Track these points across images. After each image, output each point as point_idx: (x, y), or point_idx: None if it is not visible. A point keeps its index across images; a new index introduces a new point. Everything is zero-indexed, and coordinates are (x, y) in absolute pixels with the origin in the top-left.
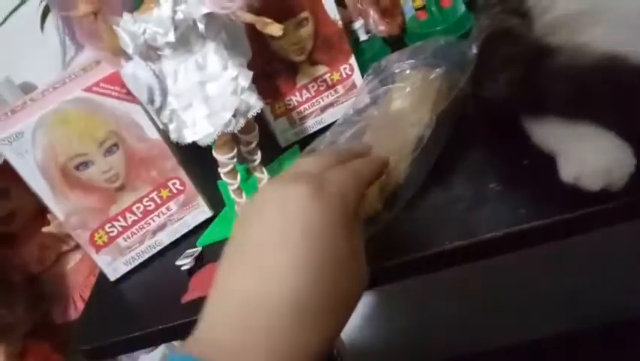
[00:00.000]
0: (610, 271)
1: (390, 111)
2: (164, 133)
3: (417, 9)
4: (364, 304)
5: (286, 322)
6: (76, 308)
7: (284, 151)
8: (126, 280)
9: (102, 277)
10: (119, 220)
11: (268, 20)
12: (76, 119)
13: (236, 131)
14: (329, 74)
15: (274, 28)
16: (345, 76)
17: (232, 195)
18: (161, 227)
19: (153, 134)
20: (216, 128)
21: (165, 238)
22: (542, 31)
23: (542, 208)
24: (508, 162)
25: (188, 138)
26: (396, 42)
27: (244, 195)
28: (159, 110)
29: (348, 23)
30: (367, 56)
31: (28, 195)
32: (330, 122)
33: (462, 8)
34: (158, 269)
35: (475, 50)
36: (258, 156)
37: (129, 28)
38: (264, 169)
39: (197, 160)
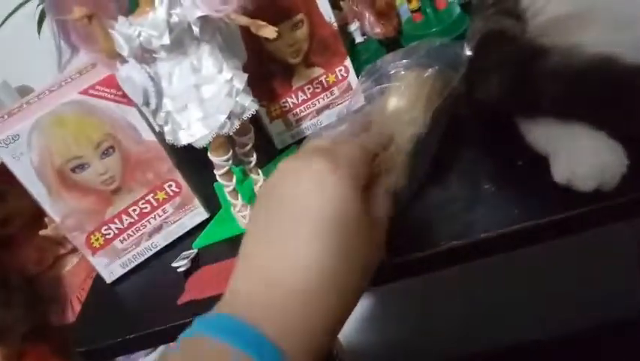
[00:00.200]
0: (610, 271)
1: (385, 111)
2: (160, 135)
3: (412, 11)
4: (362, 305)
5: (310, 285)
6: (74, 311)
7: (280, 153)
8: (122, 282)
9: (98, 279)
10: (115, 223)
11: (262, 23)
12: (72, 121)
13: (231, 133)
14: (324, 76)
15: (268, 31)
16: (340, 78)
17: (228, 197)
18: (157, 229)
19: (149, 136)
20: (211, 130)
21: (161, 240)
22: (536, 33)
23: (536, 208)
24: (502, 163)
25: (184, 140)
26: (392, 44)
27: (240, 196)
28: (155, 113)
29: (343, 25)
30: (363, 58)
31: (25, 198)
32: (326, 123)
33: (457, 10)
34: (154, 271)
35: (468, 50)
36: (254, 158)
37: (124, 31)
38: (259, 171)
39: (193, 162)
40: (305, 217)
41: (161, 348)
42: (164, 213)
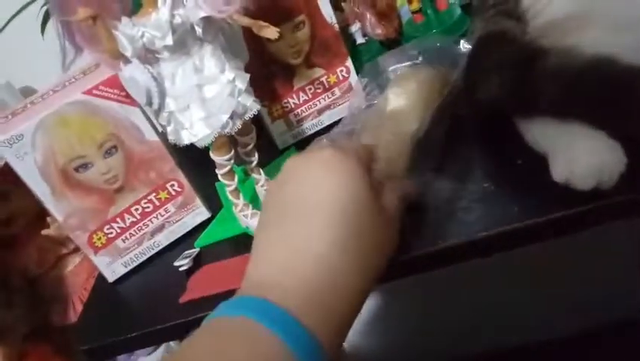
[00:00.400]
0: (611, 271)
1: (387, 111)
2: (163, 135)
3: (413, 12)
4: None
5: (330, 262)
6: (75, 311)
7: (282, 153)
8: (125, 281)
9: (101, 278)
10: (117, 222)
11: (264, 24)
12: (75, 121)
13: (233, 133)
14: (326, 77)
15: (270, 32)
16: (341, 78)
17: (230, 197)
18: (160, 228)
19: (152, 136)
20: (213, 130)
21: (163, 240)
22: (536, 34)
23: (535, 207)
24: (502, 162)
25: (186, 139)
26: (392, 45)
27: (241, 196)
28: (157, 113)
29: (345, 26)
30: (364, 58)
31: (29, 198)
32: (327, 124)
33: (458, 11)
34: (156, 270)
35: (465, 47)
36: (256, 158)
37: (128, 32)
38: (261, 170)
39: (195, 162)
40: (318, 205)
41: (163, 347)
42: (166, 212)
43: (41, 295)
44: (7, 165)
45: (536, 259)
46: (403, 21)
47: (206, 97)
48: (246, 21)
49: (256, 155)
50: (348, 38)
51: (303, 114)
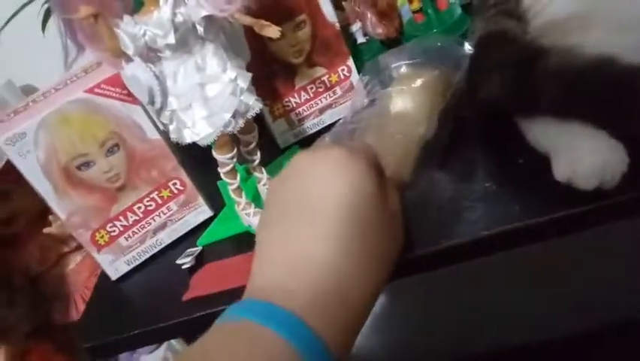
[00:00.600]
0: (613, 271)
1: (391, 112)
2: (165, 134)
3: (414, 12)
4: None
5: (335, 265)
6: (77, 309)
7: (283, 152)
8: (127, 279)
9: (103, 276)
10: (120, 220)
11: (266, 23)
12: (77, 120)
13: (235, 132)
14: (327, 76)
15: (272, 31)
16: (343, 77)
17: (232, 195)
18: (162, 227)
19: (154, 134)
20: (216, 128)
21: (166, 238)
22: (537, 34)
23: (537, 207)
24: (504, 161)
25: (188, 138)
26: (393, 44)
27: (244, 194)
28: (159, 111)
29: (345, 26)
30: (365, 58)
31: (30, 197)
32: (328, 123)
33: (458, 11)
34: (158, 268)
35: (469, 49)
36: (258, 156)
37: (129, 30)
38: (263, 169)
39: (197, 160)
40: (323, 202)
41: (165, 345)
42: (169, 210)
43: (43, 294)
44: (8, 165)
45: (539, 259)
46: (403, 20)
47: (209, 96)
48: (248, 20)
49: (258, 153)
50: (349, 38)
51: (305, 113)
